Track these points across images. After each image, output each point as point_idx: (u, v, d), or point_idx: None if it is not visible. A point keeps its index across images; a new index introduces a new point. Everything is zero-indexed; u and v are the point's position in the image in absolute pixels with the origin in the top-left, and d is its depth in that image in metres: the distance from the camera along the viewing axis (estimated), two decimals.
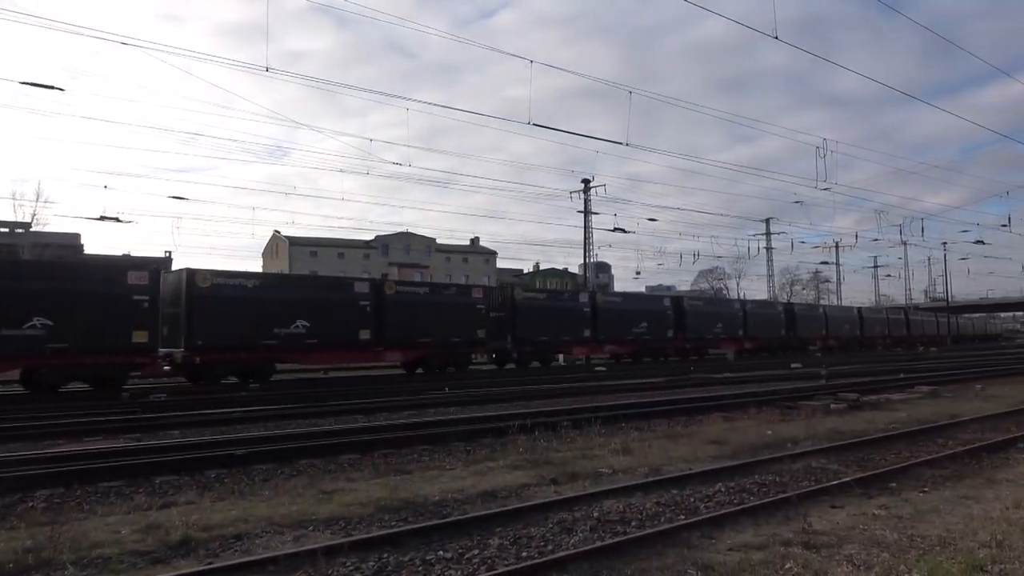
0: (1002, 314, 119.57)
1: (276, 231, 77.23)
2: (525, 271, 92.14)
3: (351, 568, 5.27)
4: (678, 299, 42.63)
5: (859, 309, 61.35)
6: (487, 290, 33.30)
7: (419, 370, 27.98)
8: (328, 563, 5.29)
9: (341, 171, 77.97)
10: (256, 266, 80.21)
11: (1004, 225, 54.50)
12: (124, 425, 13.08)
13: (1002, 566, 4.89)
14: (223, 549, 5.84)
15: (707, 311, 42.33)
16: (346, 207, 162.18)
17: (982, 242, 62.78)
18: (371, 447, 10.44)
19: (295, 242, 74.54)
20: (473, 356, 30.73)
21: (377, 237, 75.71)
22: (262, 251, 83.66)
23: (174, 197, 39.03)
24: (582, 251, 50.72)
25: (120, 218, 36.33)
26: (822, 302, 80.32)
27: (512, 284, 41.64)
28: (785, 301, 61.71)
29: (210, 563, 5.40)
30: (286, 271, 64.01)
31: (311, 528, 6.42)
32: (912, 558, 5.21)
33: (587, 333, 34.06)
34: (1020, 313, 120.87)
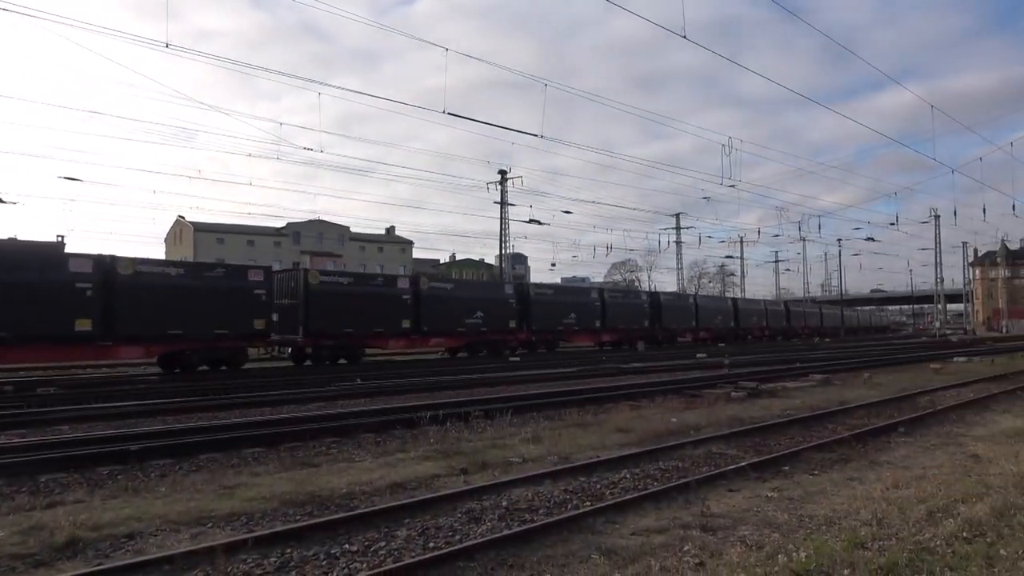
0: (890, 307, 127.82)
1: (180, 216, 73.81)
2: (442, 261, 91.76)
3: (252, 565, 5.13)
4: (524, 287, 37.95)
5: (734, 300, 58.84)
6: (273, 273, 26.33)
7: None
8: (228, 561, 5.12)
9: (250, 155, 75.20)
10: (158, 252, 76.57)
11: (892, 224, 58.42)
12: (9, 421, 12.25)
13: (881, 543, 5.23)
14: (114, 549, 5.57)
15: (558, 300, 37.66)
16: (256, 193, 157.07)
17: (873, 239, 67.06)
18: (277, 440, 10.16)
19: (200, 228, 71.43)
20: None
21: (288, 224, 73.50)
22: (164, 237, 79.89)
23: (66, 178, 36.69)
24: (498, 242, 50.95)
25: (3, 198, 33.80)
26: (727, 295, 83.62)
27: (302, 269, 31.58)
28: (651, 291, 60.32)
29: (99, 564, 5.13)
30: (190, 258, 61.31)
31: (210, 525, 6.20)
32: (800, 537, 5.50)
33: (407, 324, 28.88)
34: (906, 307, 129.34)
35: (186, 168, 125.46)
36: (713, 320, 50.54)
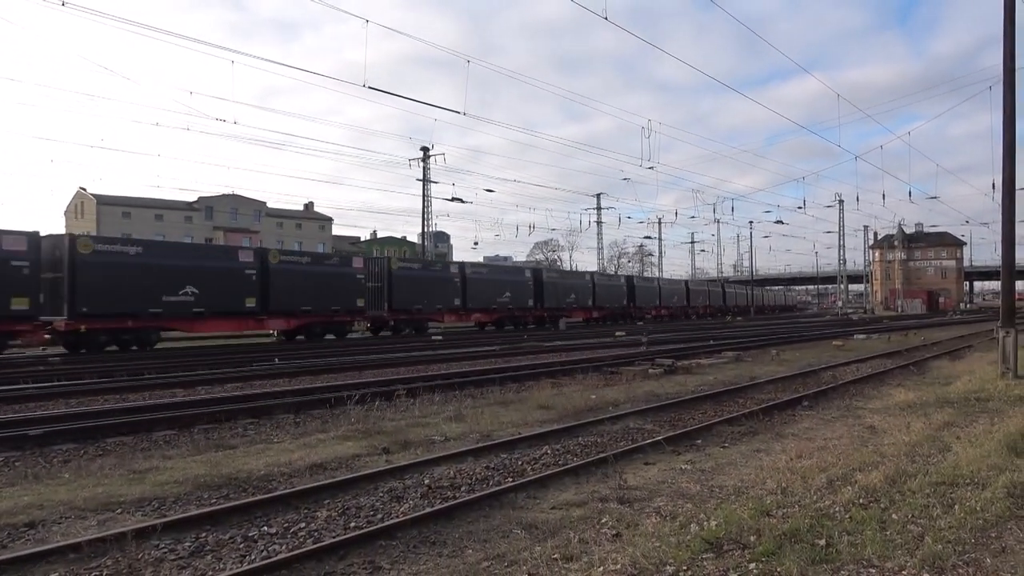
0: (797, 287, 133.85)
1: (81, 188, 69.72)
2: (363, 239, 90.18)
3: (165, 550, 4.97)
4: (538, 271, 46.18)
5: (687, 282, 67.39)
6: (367, 260, 33.42)
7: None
8: (139, 547, 4.95)
9: (157, 124, 71.30)
10: (58, 227, 72.22)
11: (800, 208, 61.08)
12: None
13: (785, 510, 5.52)
14: (13, 539, 5.30)
15: (562, 283, 45.69)
16: (164, 164, 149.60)
17: (782, 222, 69.93)
18: (191, 422, 9.85)
19: (104, 201, 67.69)
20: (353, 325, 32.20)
21: (200, 199, 70.47)
22: (65, 210, 75.34)
23: None
24: (420, 220, 50.50)
25: None
26: (645, 274, 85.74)
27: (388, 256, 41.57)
28: (627, 275, 65.98)
29: None
30: (93, 233, 58.10)
31: (119, 511, 5.97)
32: (711, 507, 5.75)
33: (457, 302, 35.83)
34: (812, 287, 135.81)
35: (87, 137, 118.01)
36: (671, 300, 58.95)
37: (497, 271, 43.81)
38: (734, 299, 74.68)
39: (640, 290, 54.16)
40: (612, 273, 74.92)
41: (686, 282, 67.52)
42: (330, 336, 29.93)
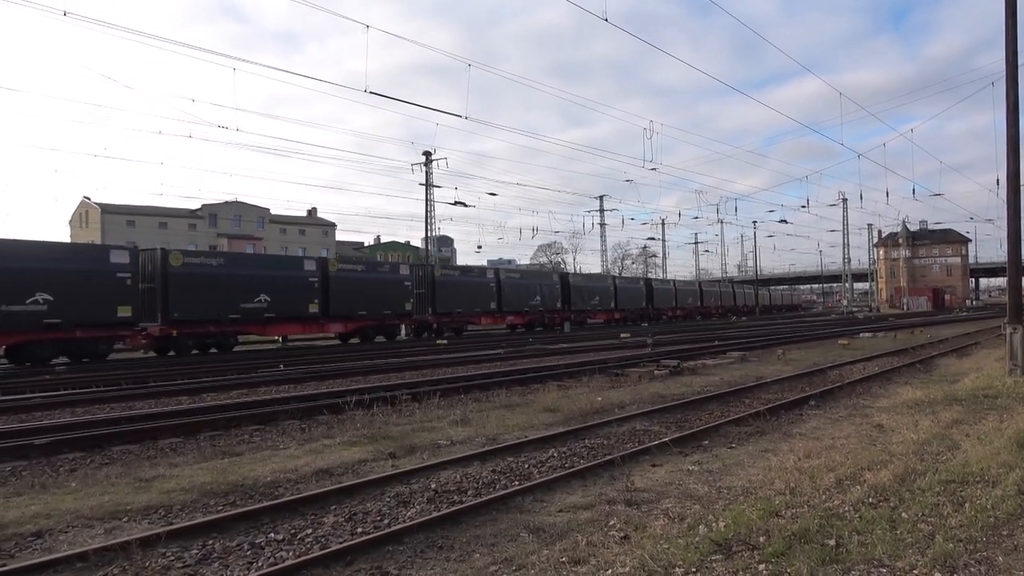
0: (802, 286, 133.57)
1: (86, 197, 69.95)
2: (366, 244, 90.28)
3: (172, 558, 4.96)
4: (564, 276, 48.31)
5: (700, 283, 68.87)
6: (413, 267, 36.13)
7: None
8: (145, 555, 4.94)
9: (160, 133, 71.59)
10: (63, 236, 72.48)
11: (804, 207, 61.05)
12: None
13: (794, 510, 5.49)
14: (20, 549, 5.29)
15: (587, 286, 47.38)
16: (168, 172, 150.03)
17: (785, 221, 69.94)
18: (196, 429, 9.85)
19: (108, 210, 67.86)
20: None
21: (204, 206, 70.69)
22: (69, 219, 75.58)
23: None
24: (424, 224, 50.51)
25: None
26: (649, 275, 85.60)
27: (431, 263, 42.42)
28: (645, 278, 66.23)
29: (3, 565, 4.86)
30: (98, 241, 58.27)
31: (126, 519, 5.96)
32: (719, 508, 5.72)
33: (493, 305, 38.48)
34: (817, 286, 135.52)
35: (91, 146, 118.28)
36: (686, 301, 60.31)
37: (529, 276, 47.53)
38: (742, 299, 75.07)
39: (658, 292, 56.68)
40: (632, 276, 75.10)
41: (699, 283, 68.26)
42: (381, 338, 32.37)
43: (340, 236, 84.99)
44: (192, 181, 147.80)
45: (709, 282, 67.81)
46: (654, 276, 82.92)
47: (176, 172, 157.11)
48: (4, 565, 4.84)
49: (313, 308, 28.68)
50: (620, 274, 79.08)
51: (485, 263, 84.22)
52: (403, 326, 33.52)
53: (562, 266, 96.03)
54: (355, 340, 31.52)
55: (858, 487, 5.99)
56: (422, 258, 59.41)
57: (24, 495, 6.80)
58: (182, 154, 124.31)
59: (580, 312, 46.06)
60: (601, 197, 75.46)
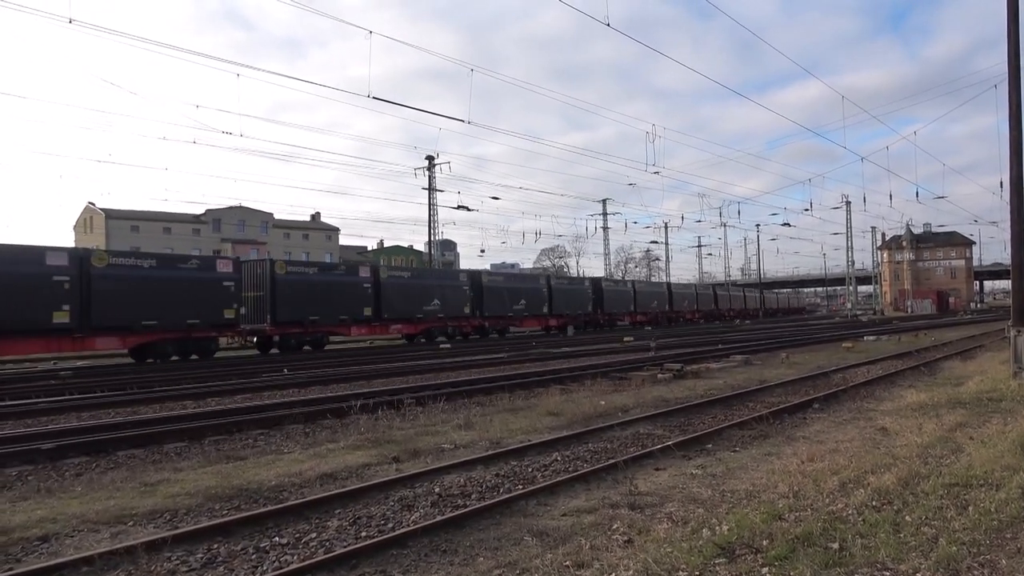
0: (805, 289, 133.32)
1: (90, 202, 70.14)
2: (370, 248, 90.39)
3: (177, 562, 4.98)
4: (597, 281, 45.80)
5: (669, 284, 61.74)
6: (470, 273, 38.08)
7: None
8: (151, 559, 4.97)
9: (164, 139, 71.79)
10: (67, 241, 72.71)
11: (807, 210, 60.89)
12: None
13: (797, 514, 5.49)
14: (26, 553, 5.32)
15: (508, 287, 40.02)
16: (172, 178, 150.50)
17: (789, 224, 69.72)
18: (200, 434, 9.88)
19: (113, 215, 68.08)
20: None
21: (208, 211, 70.80)
22: (74, 224, 75.82)
23: None
24: (427, 228, 50.59)
25: None
26: (653, 279, 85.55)
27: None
28: (601, 277, 62.34)
29: (10, 569, 4.89)
30: (102, 247, 58.45)
31: (131, 523, 5.99)
32: (723, 512, 5.72)
33: (545, 309, 37.81)
34: (820, 289, 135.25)
35: (95, 152, 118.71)
36: (649, 305, 54.31)
37: (651, 285, 51.80)
38: (727, 302, 72.53)
39: (677, 296, 57.19)
40: (575, 276, 74.31)
41: (668, 284, 63.39)
42: (441, 338, 34.13)
43: (343, 241, 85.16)
44: (196, 186, 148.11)
45: (613, 281, 57.67)
46: (657, 279, 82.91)
47: (180, 177, 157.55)
48: (11, 569, 4.87)
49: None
50: (623, 277, 78.91)
51: (488, 267, 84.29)
52: (219, 340, 27.11)
53: (565, 269, 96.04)
54: (423, 340, 33.70)
55: (862, 490, 5.99)
56: (425, 262, 59.44)
57: (30, 499, 6.84)
58: (186, 160, 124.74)
59: (610, 315, 43.99)
60: (604, 200, 75.45)
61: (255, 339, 28.98)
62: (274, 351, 28.32)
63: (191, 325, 24.43)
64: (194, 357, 24.78)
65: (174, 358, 24.32)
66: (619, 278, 74.01)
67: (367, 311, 31.05)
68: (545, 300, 41.77)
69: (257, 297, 27.64)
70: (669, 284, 62.87)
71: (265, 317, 27.38)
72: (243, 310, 27.11)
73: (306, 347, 29.05)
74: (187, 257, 25.74)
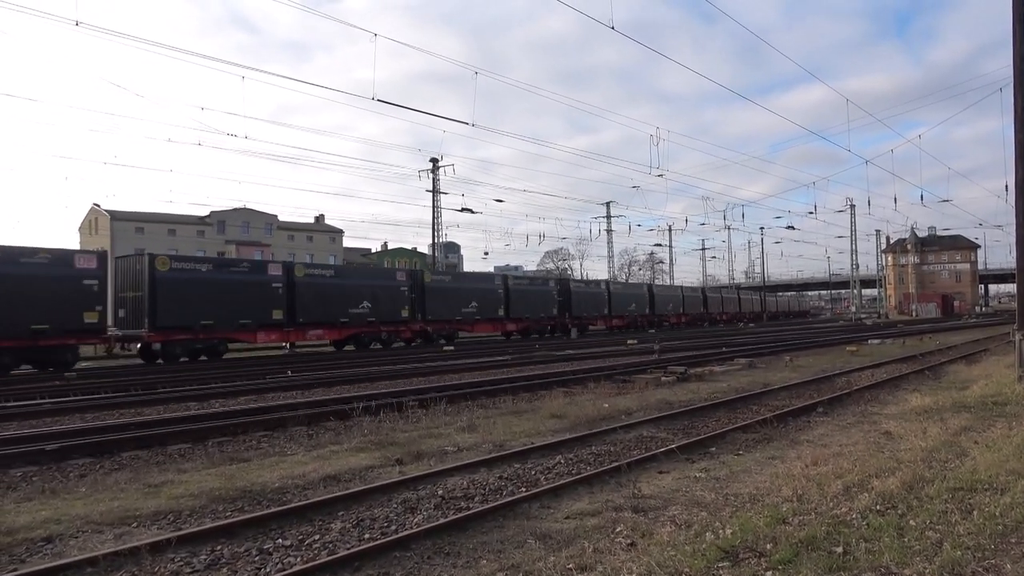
0: (809, 292, 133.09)
1: (95, 204, 70.34)
2: (373, 250, 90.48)
3: (180, 563, 4.99)
4: (416, 274, 35.67)
5: (649, 286, 58.85)
6: (503, 277, 40.31)
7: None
8: (155, 560, 4.98)
9: (170, 141, 72.13)
10: (73, 242, 72.93)
11: (811, 213, 60.86)
12: None
13: (801, 517, 5.48)
14: (31, 554, 5.33)
15: (455, 287, 35.87)
16: (177, 180, 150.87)
17: (793, 227, 69.66)
18: (204, 435, 9.89)
19: (118, 217, 68.24)
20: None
21: (212, 213, 70.93)
22: (79, 226, 76.04)
23: None
24: (431, 231, 50.65)
25: None
26: (656, 282, 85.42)
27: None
28: (569, 278, 59.66)
29: (15, 570, 4.90)
30: (107, 248, 58.56)
31: (135, 525, 6.00)
32: (726, 515, 5.71)
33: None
34: (825, 292, 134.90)
35: (101, 154, 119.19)
36: (626, 308, 50.66)
37: (628, 287, 51.88)
38: (716, 305, 70.08)
39: (659, 299, 56.82)
40: (669, 284, 74.44)
41: (648, 286, 60.59)
42: (534, 335, 37.56)
43: (347, 243, 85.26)
44: (201, 188, 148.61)
45: (583, 282, 53.18)
46: (662, 282, 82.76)
47: (185, 179, 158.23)
48: (15, 570, 4.89)
49: (404, 313, 32.08)
50: (627, 280, 78.85)
51: (492, 269, 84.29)
52: (79, 348, 23.46)
53: (569, 272, 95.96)
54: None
55: (866, 494, 5.97)
56: (429, 264, 59.43)
57: (35, 500, 6.86)
58: (191, 161, 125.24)
59: (445, 323, 34.62)
60: (608, 203, 75.53)
61: (138, 346, 24.74)
62: (159, 361, 24.18)
63: (36, 332, 20.49)
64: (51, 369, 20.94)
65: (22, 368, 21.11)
66: (591, 279, 71.49)
67: (277, 314, 27.06)
68: (501, 302, 37.66)
69: (136, 298, 23.98)
70: (650, 286, 59.04)
71: (143, 321, 23.47)
72: (121, 312, 24.19)
73: (202, 357, 25.05)
74: (33, 251, 20.67)
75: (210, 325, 24.96)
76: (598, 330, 47.48)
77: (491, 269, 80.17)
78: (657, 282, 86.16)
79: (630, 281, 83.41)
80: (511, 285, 39.30)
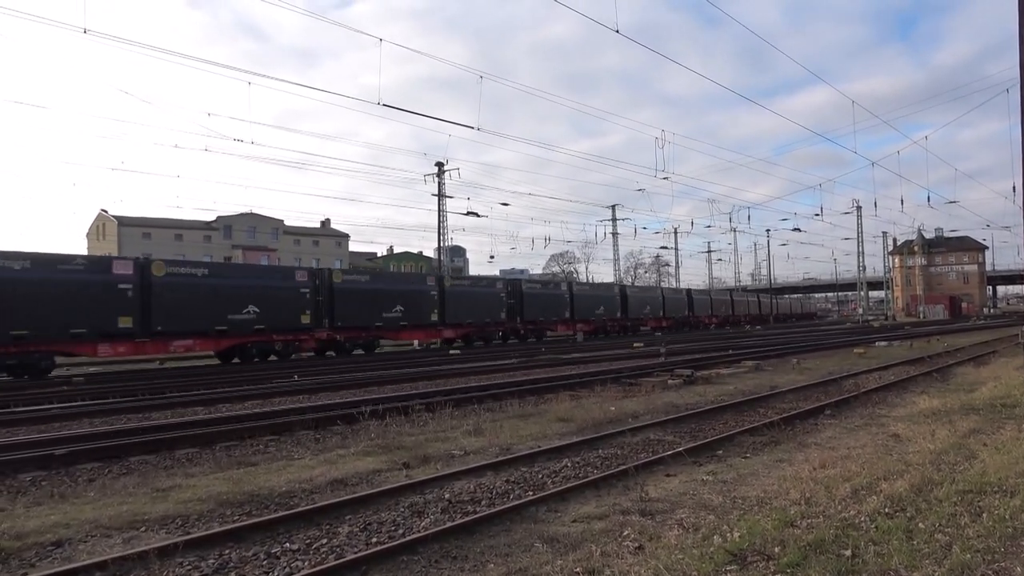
0: (816, 295, 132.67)
1: (103, 210, 70.72)
2: (379, 254, 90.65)
3: (189, 568, 5.01)
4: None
5: (622, 287, 53.77)
6: (508, 282, 40.96)
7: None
8: (163, 564, 5.00)
9: (177, 146, 72.42)
10: (80, 248, 73.31)
11: (817, 215, 60.74)
12: None
13: (809, 520, 5.46)
14: (40, 558, 5.36)
15: (374, 289, 31.66)
16: (184, 185, 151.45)
17: (799, 229, 69.43)
18: (212, 440, 9.92)
19: (125, 222, 68.54)
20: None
21: (219, 218, 71.21)
22: (87, 232, 76.44)
23: None
24: (436, 235, 50.72)
25: None
26: (663, 285, 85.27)
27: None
28: (523, 279, 56.22)
29: (24, 574, 4.94)
30: (115, 253, 58.83)
31: (144, 529, 6.02)
32: (734, 518, 5.70)
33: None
34: (831, 294, 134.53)
35: (108, 160, 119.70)
36: (642, 310, 50.63)
37: (596, 288, 50.39)
38: (703, 307, 67.88)
39: (697, 302, 58.73)
40: (676, 287, 74.19)
41: (619, 286, 57.11)
42: (478, 343, 36.15)
43: (353, 247, 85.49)
44: (208, 193, 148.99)
45: (642, 288, 53.43)
46: (668, 284, 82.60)
47: (192, 185, 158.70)
48: (25, 574, 4.92)
49: (433, 317, 33.83)
50: (633, 283, 78.75)
51: (498, 272, 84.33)
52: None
53: (575, 275, 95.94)
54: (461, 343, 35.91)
55: (874, 497, 5.95)
56: (434, 268, 59.50)
57: (44, 505, 6.89)
58: (198, 167, 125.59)
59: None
60: (613, 206, 75.36)
61: None
62: None
63: None
64: None
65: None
66: (548, 279, 71.06)
67: (125, 322, 22.21)
68: (434, 306, 33.70)
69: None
70: (623, 287, 53.46)
71: None
72: None
73: (25, 376, 20.45)
74: None
75: (24, 336, 20.12)
76: (557, 336, 43.70)
77: (497, 272, 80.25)
78: (664, 284, 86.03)
79: (636, 284, 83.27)
80: (448, 287, 35.08)
